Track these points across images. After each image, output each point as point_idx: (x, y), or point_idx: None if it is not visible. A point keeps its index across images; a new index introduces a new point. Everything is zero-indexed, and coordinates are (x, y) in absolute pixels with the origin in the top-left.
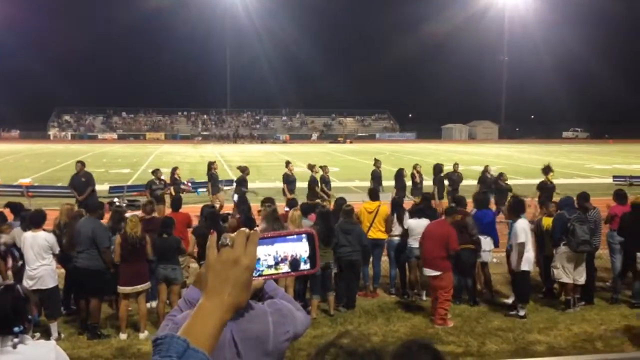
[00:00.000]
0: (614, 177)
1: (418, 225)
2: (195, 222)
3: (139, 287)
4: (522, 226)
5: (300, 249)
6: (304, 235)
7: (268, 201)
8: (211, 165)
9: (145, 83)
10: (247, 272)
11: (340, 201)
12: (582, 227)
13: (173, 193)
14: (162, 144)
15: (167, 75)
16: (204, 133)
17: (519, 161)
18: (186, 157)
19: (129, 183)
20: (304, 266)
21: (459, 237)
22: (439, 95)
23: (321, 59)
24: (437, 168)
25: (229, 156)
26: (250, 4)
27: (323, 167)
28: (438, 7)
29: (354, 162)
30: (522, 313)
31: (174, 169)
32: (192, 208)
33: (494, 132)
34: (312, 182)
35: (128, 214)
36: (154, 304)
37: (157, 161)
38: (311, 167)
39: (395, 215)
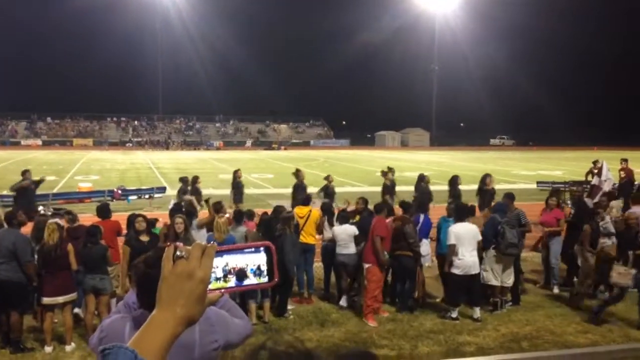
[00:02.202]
0: (538, 182)
1: (343, 231)
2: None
3: (62, 299)
4: (455, 230)
5: (258, 261)
6: (262, 248)
7: (220, 209)
8: (236, 174)
9: (73, 87)
10: (201, 285)
11: (279, 208)
12: (512, 231)
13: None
14: (90, 150)
15: (95, 79)
16: (135, 139)
17: (450, 167)
18: (115, 163)
19: (55, 191)
20: (263, 279)
21: (398, 244)
22: (372, 103)
23: (255, 66)
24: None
25: (160, 163)
26: (183, 7)
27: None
28: (372, 16)
29: (289, 169)
30: (453, 315)
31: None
32: (122, 216)
33: (425, 139)
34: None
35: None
36: (80, 311)
37: (85, 168)
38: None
39: (325, 220)
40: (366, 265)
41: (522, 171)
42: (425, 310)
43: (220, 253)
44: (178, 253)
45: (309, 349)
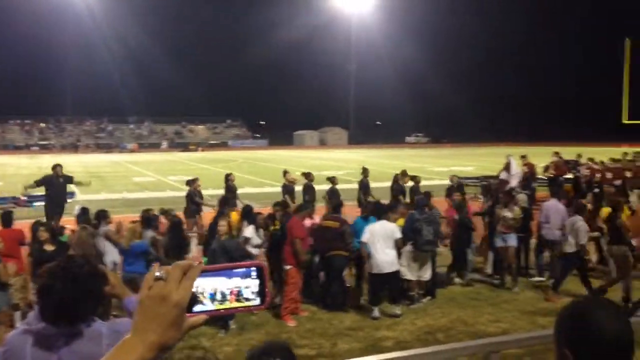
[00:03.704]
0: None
1: (246, 230)
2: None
3: None
4: (370, 228)
5: (248, 282)
6: (252, 269)
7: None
8: (228, 177)
9: None
10: (175, 309)
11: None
12: (428, 227)
13: None
14: None
15: None
16: (42, 142)
17: (368, 165)
18: (20, 168)
19: None
20: (253, 302)
21: (333, 244)
22: (290, 102)
23: (170, 65)
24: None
25: (69, 167)
26: (93, 1)
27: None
28: (288, 16)
29: (206, 170)
30: (375, 314)
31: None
32: (27, 223)
33: (343, 138)
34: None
35: None
36: None
37: None
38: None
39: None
40: (286, 267)
41: (437, 167)
42: (346, 308)
43: (214, 274)
44: (157, 274)
45: (228, 354)
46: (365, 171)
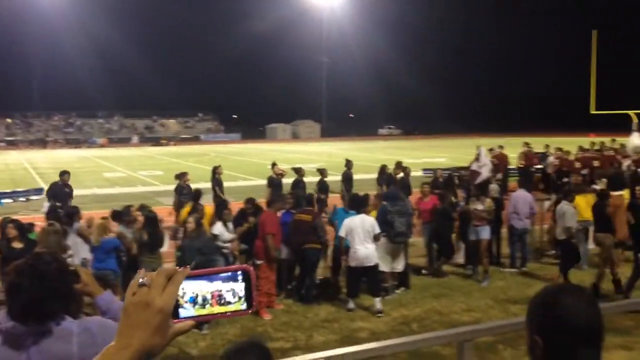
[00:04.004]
0: (424, 170)
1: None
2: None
3: None
4: (347, 222)
5: (234, 286)
6: (239, 273)
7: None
8: (215, 170)
9: None
10: (159, 315)
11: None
12: (401, 219)
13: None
14: None
15: None
16: (8, 138)
17: (340, 158)
18: None
19: None
20: (240, 306)
21: (306, 237)
22: (262, 96)
23: (140, 58)
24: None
25: (37, 163)
26: None
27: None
28: (260, 8)
29: (178, 165)
30: (350, 306)
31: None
32: None
33: (316, 131)
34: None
35: None
36: None
37: None
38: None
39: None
40: (257, 262)
41: (409, 159)
42: (321, 300)
43: (199, 278)
44: (140, 280)
45: (202, 349)
46: (348, 163)
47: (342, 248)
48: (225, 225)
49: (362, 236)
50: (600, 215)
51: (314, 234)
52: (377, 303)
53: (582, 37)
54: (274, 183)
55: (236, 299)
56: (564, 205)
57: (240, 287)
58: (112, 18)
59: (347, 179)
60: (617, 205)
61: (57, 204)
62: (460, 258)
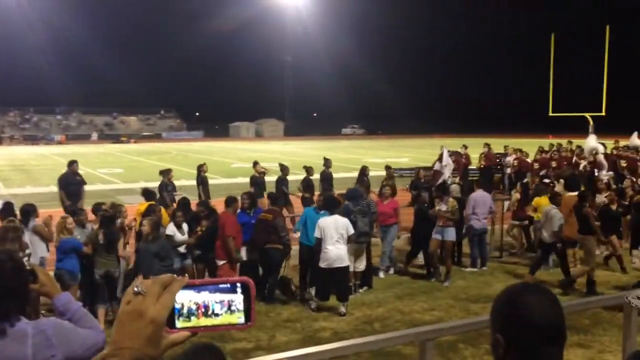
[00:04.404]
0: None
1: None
2: None
3: None
4: (320, 223)
5: (233, 298)
6: (238, 285)
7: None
8: (200, 168)
9: None
10: (151, 326)
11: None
12: (364, 219)
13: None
14: None
15: None
16: None
17: (303, 157)
18: None
19: None
20: (238, 320)
21: (268, 237)
22: (226, 94)
23: (101, 53)
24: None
25: None
26: None
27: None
28: (223, 4)
29: (139, 163)
30: (312, 306)
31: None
32: None
33: (279, 130)
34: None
35: None
36: None
37: None
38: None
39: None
40: (219, 263)
41: (372, 159)
42: (283, 300)
43: (197, 289)
44: (135, 289)
45: None
46: (327, 162)
47: (317, 249)
48: (178, 227)
49: (335, 237)
50: (580, 217)
51: (274, 234)
52: (342, 307)
53: (541, 40)
54: (257, 182)
55: (224, 310)
56: (552, 209)
57: (239, 299)
58: (73, 12)
59: (326, 178)
60: (572, 205)
61: (67, 199)
62: (420, 258)
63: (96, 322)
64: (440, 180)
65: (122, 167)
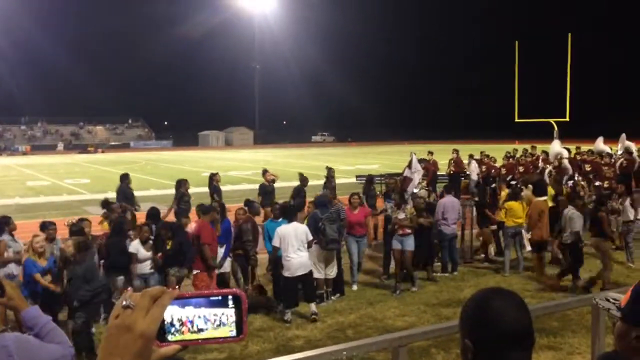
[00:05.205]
0: (357, 176)
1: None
2: None
3: None
4: (280, 231)
5: (224, 311)
6: (229, 297)
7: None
8: (213, 177)
9: None
10: (140, 340)
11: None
12: (332, 226)
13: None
14: None
15: None
16: None
17: (274, 165)
18: None
19: None
20: (229, 332)
21: (235, 243)
22: (194, 102)
23: (66, 62)
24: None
25: None
26: None
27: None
28: (190, 13)
29: (107, 173)
30: (286, 317)
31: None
32: None
33: (249, 138)
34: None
35: None
36: None
37: None
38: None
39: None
40: (194, 272)
41: (342, 166)
42: (256, 309)
43: (187, 302)
44: (124, 302)
45: None
46: (330, 171)
47: (274, 257)
48: (144, 242)
49: (295, 245)
50: (595, 221)
51: (239, 240)
52: (313, 306)
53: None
54: (267, 190)
55: (212, 324)
56: (570, 210)
57: (230, 312)
58: (36, 19)
59: (332, 187)
60: (541, 210)
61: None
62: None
63: (65, 336)
64: (410, 187)
65: (89, 177)
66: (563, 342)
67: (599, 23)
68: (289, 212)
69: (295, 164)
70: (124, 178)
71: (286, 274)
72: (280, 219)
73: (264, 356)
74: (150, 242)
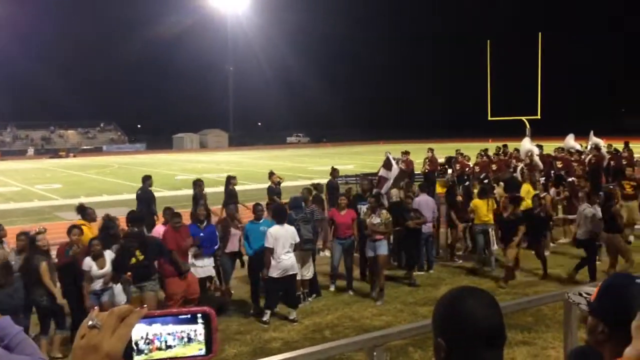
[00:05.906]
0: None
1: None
2: None
3: None
4: (272, 232)
5: (193, 329)
6: (199, 315)
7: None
8: (229, 181)
9: None
10: None
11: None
12: (307, 226)
13: None
14: None
15: None
16: None
17: (249, 167)
18: None
19: None
20: (199, 351)
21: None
22: (168, 105)
23: (36, 65)
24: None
25: None
26: None
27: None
28: (162, 14)
29: (79, 177)
30: (264, 318)
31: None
32: None
33: (224, 140)
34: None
35: None
36: None
37: None
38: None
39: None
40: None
41: (318, 167)
42: (232, 312)
43: (154, 320)
44: (90, 322)
45: None
46: (334, 171)
47: (268, 259)
48: (96, 258)
49: (287, 247)
50: (608, 216)
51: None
52: (293, 313)
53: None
54: (274, 192)
55: (180, 341)
56: (586, 208)
57: (199, 329)
58: (3, 22)
59: (332, 187)
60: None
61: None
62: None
63: (36, 348)
64: (385, 187)
65: (60, 182)
66: (537, 337)
67: (567, 23)
68: (280, 214)
69: (270, 165)
70: (146, 179)
71: (275, 274)
72: (262, 221)
73: (241, 359)
74: (105, 257)
